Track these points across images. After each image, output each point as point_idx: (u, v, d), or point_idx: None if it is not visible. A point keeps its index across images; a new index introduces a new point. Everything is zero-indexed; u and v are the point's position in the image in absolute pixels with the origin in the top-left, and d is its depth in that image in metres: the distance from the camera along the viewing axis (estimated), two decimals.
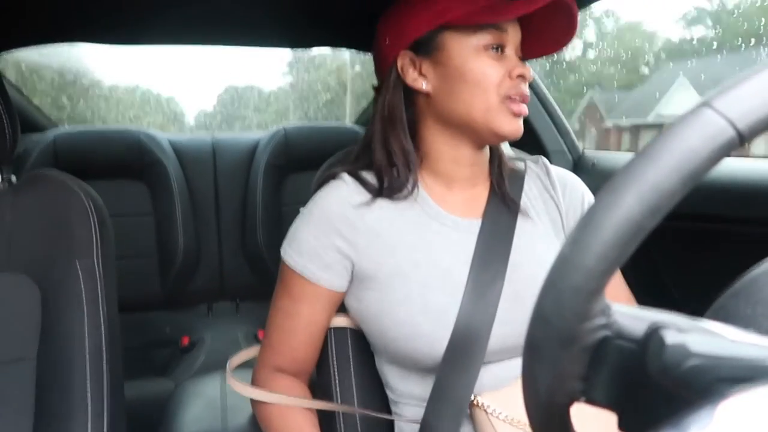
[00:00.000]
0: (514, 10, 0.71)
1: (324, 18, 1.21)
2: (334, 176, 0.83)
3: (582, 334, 0.30)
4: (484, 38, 0.74)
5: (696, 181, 0.27)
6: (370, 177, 0.82)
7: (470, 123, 0.76)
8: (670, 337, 0.28)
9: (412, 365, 0.78)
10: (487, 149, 0.83)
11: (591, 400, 0.33)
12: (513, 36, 0.76)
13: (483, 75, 0.74)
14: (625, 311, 0.31)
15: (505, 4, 0.73)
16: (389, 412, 0.83)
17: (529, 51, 0.80)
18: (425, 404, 0.76)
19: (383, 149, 0.80)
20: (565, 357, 0.29)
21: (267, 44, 1.47)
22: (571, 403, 0.33)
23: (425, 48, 0.77)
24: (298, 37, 1.42)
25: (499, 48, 0.75)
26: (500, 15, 0.72)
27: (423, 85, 0.78)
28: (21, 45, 1.38)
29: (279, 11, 1.17)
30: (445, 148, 0.80)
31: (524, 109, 0.76)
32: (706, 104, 0.28)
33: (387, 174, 0.80)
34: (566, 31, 0.77)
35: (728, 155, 0.28)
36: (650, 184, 0.27)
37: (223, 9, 1.14)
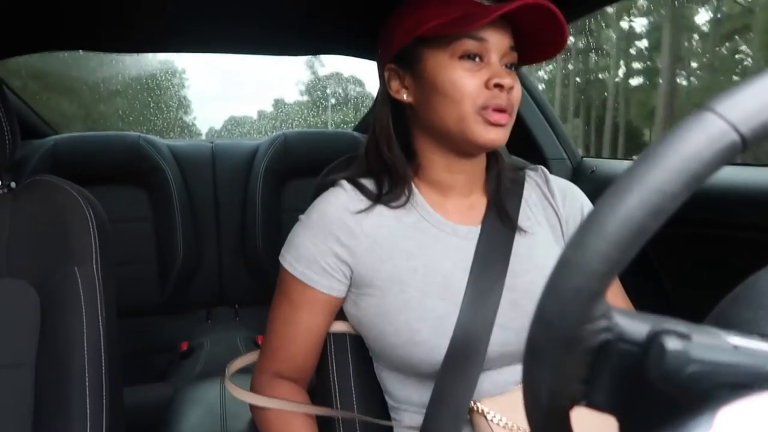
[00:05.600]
0: (482, 18, 0.69)
1: (331, 26, 1.22)
2: (333, 183, 0.83)
3: (583, 337, 0.30)
4: (458, 48, 0.73)
5: (699, 184, 0.27)
6: (369, 184, 0.82)
7: (447, 133, 0.75)
8: (671, 343, 0.28)
9: (411, 371, 0.77)
10: (482, 156, 0.83)
11: (592, 404, 0.33)
12: (496, 44, 0.74)
13: (453, 85, 0.73)
14: (626, 314, 0.31)
15: (476, 13, 0.71)
16: (389, 417, 0.83)
17: (527, 56, 0.79)
18: (424, 410, 0.76)
19: (378, 157, 0.81)
20: (567, 359, 0.29)
21: (271, 52, 1.47)
22: (571, 406, 0.33)
23: (407, 61, 0.78)
24: (302, 46, 1.42)
25: (477, 57, 0.74)
26: (470, 24, 0.70)
27: (404, 96, 0.79)
28: (23, 52, 1.39)
29: (283, 19, 1.17)
30: (436, 158, 0.80)
31: (502, 119, 0.73)
32: (708, 108, 0.28)
33: (383, 181, 0.81)
34: (558, 30, 0.74)
35: (732, 159, 0.28)
36: (653, 186, 0.27)
37: (225, 17, 1.15)
